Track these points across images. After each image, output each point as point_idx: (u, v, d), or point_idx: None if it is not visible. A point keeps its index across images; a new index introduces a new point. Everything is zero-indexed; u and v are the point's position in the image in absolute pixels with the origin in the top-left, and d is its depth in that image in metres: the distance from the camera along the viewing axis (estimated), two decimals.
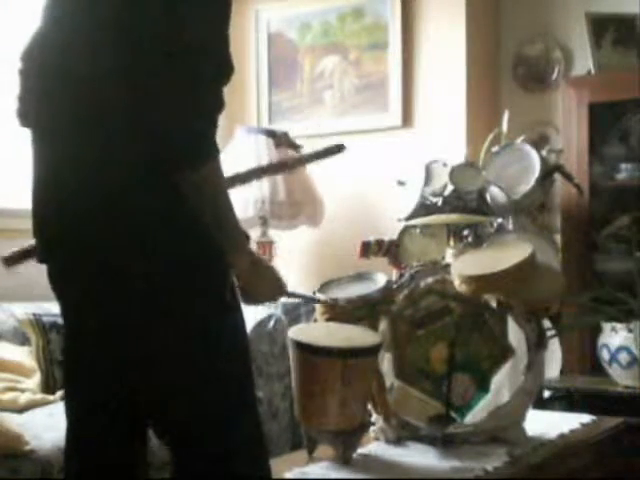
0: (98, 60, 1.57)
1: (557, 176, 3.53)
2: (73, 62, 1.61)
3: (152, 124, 1.54)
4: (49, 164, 1.68)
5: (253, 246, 3.81)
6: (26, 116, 1.75)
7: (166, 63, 1.52)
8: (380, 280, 2.54)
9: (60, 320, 1.85)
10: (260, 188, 3.79)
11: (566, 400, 3.49)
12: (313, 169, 3.99)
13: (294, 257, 4.13)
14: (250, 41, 4.38)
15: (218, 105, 1.59)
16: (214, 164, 1.60)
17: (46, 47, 1.68)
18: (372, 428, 2.50)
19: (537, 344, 2.53)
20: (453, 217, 3.07)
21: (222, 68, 1.60)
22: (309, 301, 2.22)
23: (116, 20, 1.56)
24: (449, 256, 2.71)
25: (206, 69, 1.55)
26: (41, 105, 1.69)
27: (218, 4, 1.61)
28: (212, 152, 1.59)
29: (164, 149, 1.55)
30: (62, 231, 1.65)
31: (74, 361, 1.80)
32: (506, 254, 2.50)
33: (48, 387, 3.03)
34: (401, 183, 3.51)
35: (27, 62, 1.73)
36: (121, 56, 1.55)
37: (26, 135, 1.76)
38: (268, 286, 1.76)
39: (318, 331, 2.37)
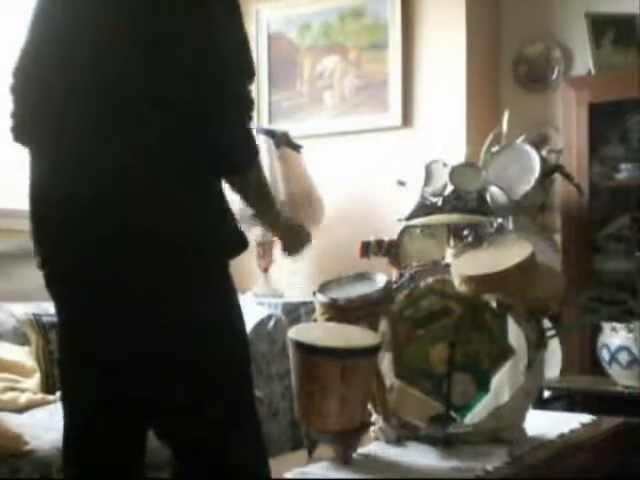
0: (133, 76, 1.60)
1: (557, 176, 3.53)
2: (99, 77, 1.62)
3: (200, 138, 1.62)
4: (58, 173, 1.67)
5: (253, 246, 3.81)
6: (21, 131, 1.75)
7: (208, 85, 1.63)
8: (380, 280, 2.53)
9: None
10: None
11: (566, 400, 3.49)
12: (313, 169, 4.00)
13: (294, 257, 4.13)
14: (250, 41, 4.37)
15: (252, 108, 1.73)
16: (258, 163, 1.78)
17: (43, 63, 1.68)
18: (372, 428, 2.50)
19: (537, 344, 2.53)
20: (453, 217, 3.07)
21: (251, 75, 1.76)
22: None
23: (146, 36, 1.60)
24: (449, 256, 2.71)
25: (244, 83, 1.71)
26: (48, 118, 1.68)
27: (239, 18, 1.84)
28: (255, 154, 1.74)
29: (211, 159, 1.65)
30: (73, 235, 1.65)
31: (72, 362, 1.79)
32: (506, 254, 2.50)
33: (48, 387, 3.04)
34: (401, 183, 3.51)
35: (21, 79, 1.73)
36: (155, 74, 1.60)
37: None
38: (302, 241, 2.12)
39: (318, 331, 2.37)
